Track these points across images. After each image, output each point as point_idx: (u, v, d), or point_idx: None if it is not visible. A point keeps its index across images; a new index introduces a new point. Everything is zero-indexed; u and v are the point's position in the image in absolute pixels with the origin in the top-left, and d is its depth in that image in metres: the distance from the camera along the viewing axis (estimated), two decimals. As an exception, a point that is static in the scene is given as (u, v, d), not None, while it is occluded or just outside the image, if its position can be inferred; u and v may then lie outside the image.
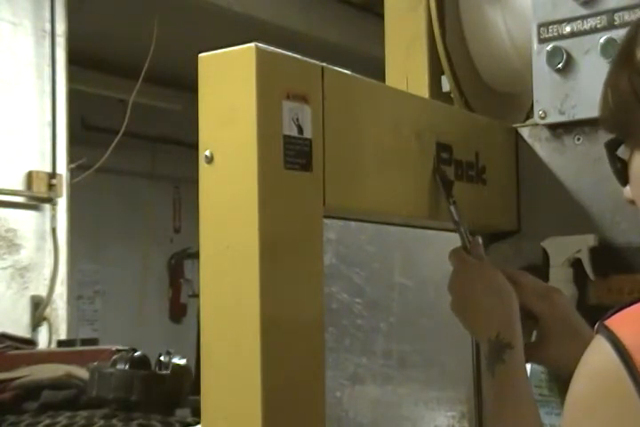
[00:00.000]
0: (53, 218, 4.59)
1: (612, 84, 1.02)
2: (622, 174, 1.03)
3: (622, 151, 1.03)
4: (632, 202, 1.04)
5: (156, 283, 8.42)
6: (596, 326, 0.94)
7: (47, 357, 2.78)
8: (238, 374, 1.11)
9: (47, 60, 4.63)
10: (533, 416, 1.19)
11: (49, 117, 4.61)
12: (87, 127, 6.99)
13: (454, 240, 1.65)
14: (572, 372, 1.36)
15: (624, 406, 0.85)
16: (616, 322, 0.91)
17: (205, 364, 1.14)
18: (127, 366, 2.10)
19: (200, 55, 1.17)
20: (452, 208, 1.38)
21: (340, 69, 1.25)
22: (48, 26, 4.64)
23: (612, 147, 1.04)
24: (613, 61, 1.06)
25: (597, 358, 0.90)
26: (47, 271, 4.56)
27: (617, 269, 1.49)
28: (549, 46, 1.56)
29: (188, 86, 3.01)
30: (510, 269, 1.40)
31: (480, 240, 1.37)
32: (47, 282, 4.55)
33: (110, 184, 7.58)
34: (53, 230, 4.58)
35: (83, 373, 2.32)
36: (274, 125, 1.13)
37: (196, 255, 2.23)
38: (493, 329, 1.23)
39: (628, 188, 1.04)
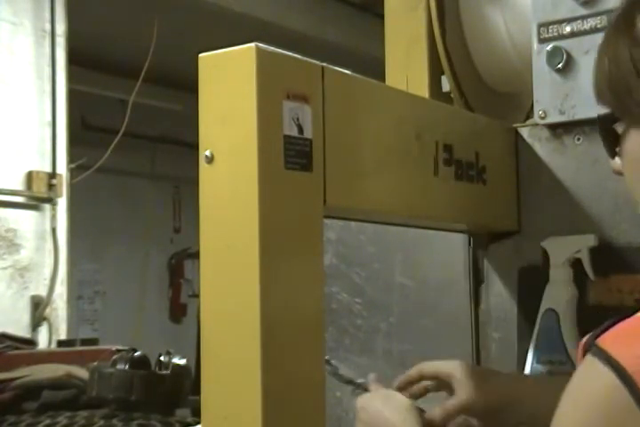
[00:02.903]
0: (53, 218, 4.58)
1: (610, 54, 0.96)
2: (612, 147, 1.00)
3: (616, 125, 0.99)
4: (620, 173, 1.02)
5: (156, 283, 8.42)
6: (584, 341, 0.89)
7: (47, 357, 2.77)
8: (238, 374, 1.11)
9: (47, 60, 4.62)
10: None
11: (49, 117, 4.61)
12: (87, 127, 6.99)
13: (454, 240, 1.66)
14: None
15: None
16: (609, 341, 0.84)
17: (205, 364, 1.14)
18: (127, 366, 2.10)
19: (200, 55, 1.17)
20: None
21: (340, 69, 1.25)
22: (48, 26, 4.64)
23: (605, 121, 1.00)
24: (611, 26, 0.99)
25: (598, 384, 0.83)
26: (47, 271, 4.55)
27: (617, 269, 1.49)
28: (549, 46, 1.56)
29: (188, 86, 3.01)
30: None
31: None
32: (47, 282, 4.55)
33: (110, 184, 7.59)
34: (53, 230, 4.58)
35: (83, 373, 2.31)
36: (274, 125, 1.13)
37: (196, 255, 2.22)
38: None
39: (617, 159, 1.01)
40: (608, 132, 1.00)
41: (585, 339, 0.89)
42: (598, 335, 0.87)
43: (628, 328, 0.86)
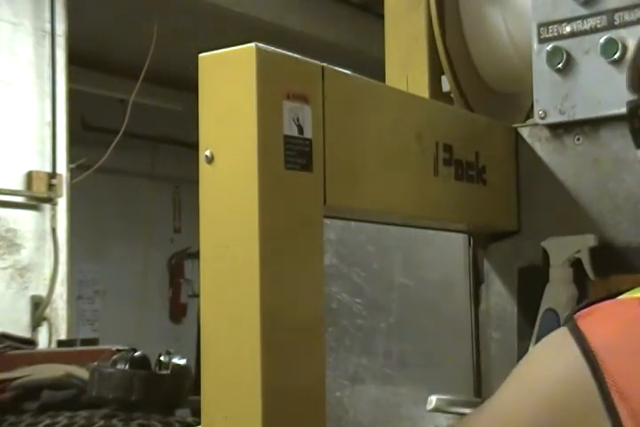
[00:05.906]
0: (53, 218, 4.59)
1: None
2: (638, 136, 1.01)
3: None
4: None
5: (155, 283, 8.42)
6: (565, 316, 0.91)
7: (47, 357, 2.77)
8: (238, 374, 1.11)
9: (47, 60, 4.62)
10: None
11: (49, 117, 4.61)
12: (87, 127, 6.99)
13: (454, 240, 1.66)
14: None
15: (590, 414, 0.82)
16: (587, 320, 0.87)
17: (205, 364, 1.14)
18: (127, 366, 2.10)
19: (200, 55, 1.17)
20: None
21: (340, 69, 1.25)
22: (48, 26, 4.64)
23: (633, 107, 1.01)
24: None
25: (563, 360, 0.85)
26: (47, 271, 4.55)
27: (617, 270, 1.49)
28: (549, 46, 1.56)
29: (188, 86, 3.01)
30: None
31: None
32: (47, 282, 4.55)
33: (110, 184, 7.59)
34: (53, 230, 4.58)
35: (83, 373, 2.31)
36: (274, 125, 1.13)
37: (196, 255, 2.22)
38: None
39: None
40: (635, 119, 1.02)
41: (568, 315, 0.91)
42: (579, 310, 0.89)
43: (605, 309, 0.88)
